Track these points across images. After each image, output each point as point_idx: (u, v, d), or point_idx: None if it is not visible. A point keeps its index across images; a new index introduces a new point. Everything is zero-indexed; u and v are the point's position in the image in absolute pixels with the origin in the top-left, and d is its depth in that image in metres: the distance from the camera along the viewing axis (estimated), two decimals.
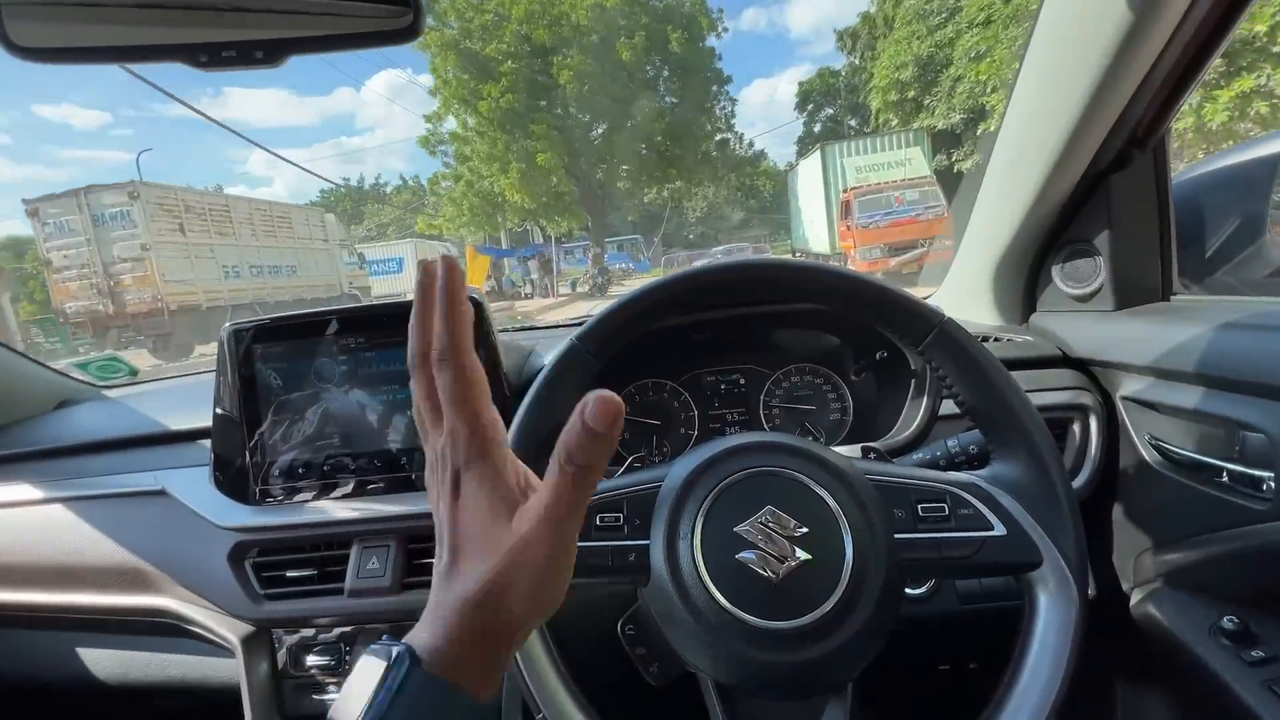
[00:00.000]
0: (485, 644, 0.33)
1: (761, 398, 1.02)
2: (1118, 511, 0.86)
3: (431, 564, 0.36)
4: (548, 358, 0.60)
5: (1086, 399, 0.85)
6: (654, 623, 0.51)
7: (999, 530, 0.50)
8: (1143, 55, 0.71)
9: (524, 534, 0.33)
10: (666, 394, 1.03)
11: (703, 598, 0.47)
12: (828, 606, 0.47)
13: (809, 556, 0.48)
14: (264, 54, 0.64)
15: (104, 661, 0.98)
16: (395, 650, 0.31)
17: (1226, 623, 0.69)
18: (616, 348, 0.58)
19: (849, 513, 0.49)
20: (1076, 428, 0.86)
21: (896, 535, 0.50)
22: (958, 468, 0.77)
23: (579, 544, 0.37)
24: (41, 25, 0.65)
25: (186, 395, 1.17)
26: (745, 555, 0.48)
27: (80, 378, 1.31)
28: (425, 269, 0.37)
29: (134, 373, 1.41)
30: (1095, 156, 0.81)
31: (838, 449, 0.59)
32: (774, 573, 0.47)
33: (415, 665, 0.31)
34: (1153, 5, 0.65)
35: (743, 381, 1.04)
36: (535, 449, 0.54)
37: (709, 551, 0.49)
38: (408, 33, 0.67)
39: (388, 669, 0.31)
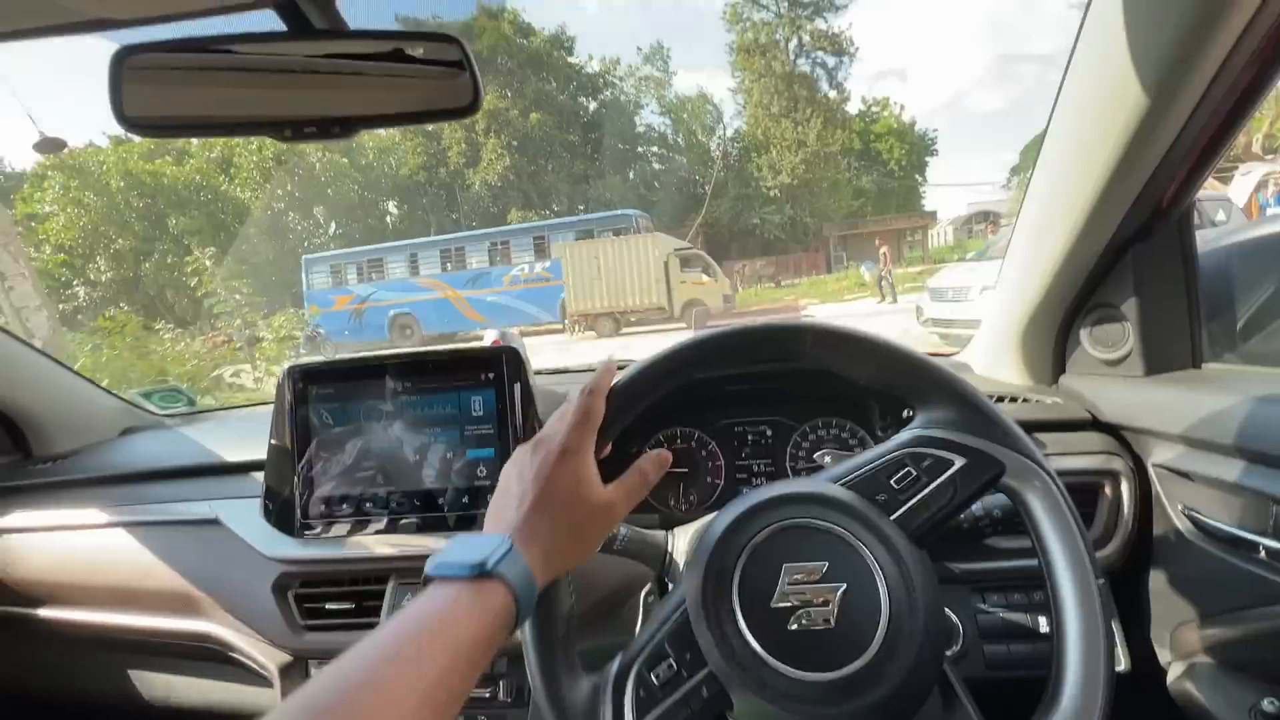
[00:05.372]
0: (542, 562, 0.48)
1: (788, 449, 1.04)
2: (1153, 582, 0.84)
3: None
4: None
5: (1117, 464, 0.85)
6: None
7: (959, 461, 0.55)
8: (1166, 129, 0.72)
9: (606, 500, 0.53)
10: (695, 443, 1.05)
11: (787, 685, 0.47)
12: (883, 622, 0.48)
13: (844, 584, 0.50)
14: (340, 129, 0.72)
15: (151, 683, 1.02)
16: (504, 539, 0.46)
17: (1267, 705, 0.67)
18: (639, 408, 0.60)
19: (853, 530, 0.52)
20: (1108, 492, 0.85)
21: (892, 516, 0.53)
22: (982, 531, 0.78)
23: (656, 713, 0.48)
24: (153, 93, 0.73)
25: (241, 428, 1.24)
26: (797, 623, 0.49)
27: (144, 406, 1.40)
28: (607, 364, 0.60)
29: (192, 403, 1.50)
30: (1119, 226, 0.82)
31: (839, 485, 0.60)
32: (827, 621, 0.49)
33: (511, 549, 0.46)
34: (1175, 81, 0.67)
35: (769, 433, 1.05)
36: None
37: (767, 641, 0.49)
38: (469, 109, 0.74)
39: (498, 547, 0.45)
